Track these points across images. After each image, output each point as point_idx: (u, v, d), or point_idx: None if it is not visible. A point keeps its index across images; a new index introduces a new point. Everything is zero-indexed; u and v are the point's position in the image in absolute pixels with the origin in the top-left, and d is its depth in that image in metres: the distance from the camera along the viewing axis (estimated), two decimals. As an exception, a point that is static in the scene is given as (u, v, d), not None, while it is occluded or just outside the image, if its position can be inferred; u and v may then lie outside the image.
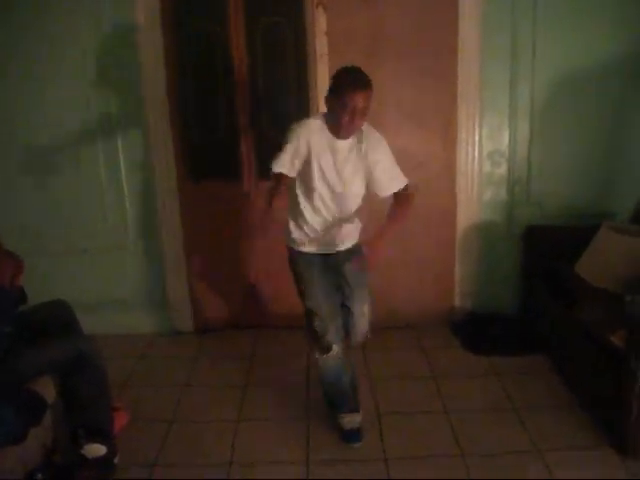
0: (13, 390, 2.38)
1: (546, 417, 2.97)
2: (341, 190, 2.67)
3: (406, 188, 2.73)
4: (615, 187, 3.81)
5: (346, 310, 2.87)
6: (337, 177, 2.64)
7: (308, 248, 2.81)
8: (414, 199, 2.76)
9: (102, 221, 3.89)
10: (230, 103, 3.75)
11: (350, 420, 2.86)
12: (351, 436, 2.85)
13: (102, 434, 2.65)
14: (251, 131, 3.78)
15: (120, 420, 2.92)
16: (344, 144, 2.62)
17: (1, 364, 2.39)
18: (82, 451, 2.59)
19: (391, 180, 2.70)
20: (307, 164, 2.61)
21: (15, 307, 2.52)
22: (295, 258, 2.85)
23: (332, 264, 2.85)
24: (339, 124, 2.53)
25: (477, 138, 3.75)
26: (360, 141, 2.64)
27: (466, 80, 3.65)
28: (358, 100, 2.46)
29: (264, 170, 3.79)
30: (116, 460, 2.67)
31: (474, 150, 3.77)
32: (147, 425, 3.03)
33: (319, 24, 3.55)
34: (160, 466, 2.71)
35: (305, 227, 2.76)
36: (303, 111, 3.69)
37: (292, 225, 2.80)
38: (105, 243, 3.92)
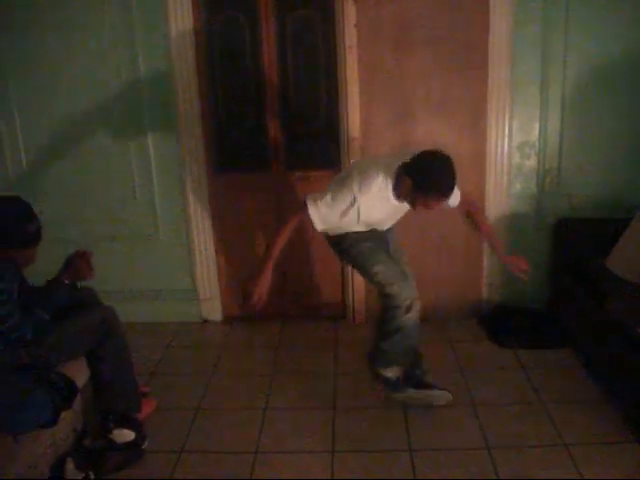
0: (46, 374, 2.43)
1: (573, 411, 2.95)
2: (390, 224, 2.90)
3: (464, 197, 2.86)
4: (648, 180, 3.75)
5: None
6: (389, 220, 2.85)
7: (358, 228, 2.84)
8: (474, 200, 2.94)
9: (132, 210, 3.94)
10: (259, 94, 3.77)
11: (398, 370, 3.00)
12: (401, 384, 3.00)
13: (131, 419, 2.71)
14: (280, 122, 3.80)
15: (148, 406, 2.97)
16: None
17: (31, 348, 2.44)
18: (111, 436, 2.65)
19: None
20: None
21: (62, 300, 2.59)
22: (346, 240, 2.88)
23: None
24: (411, 207, 2.64)
25: (507, 130, 3.71)
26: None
27: (497, 72, 3.61)
28: (442, 202, 2.55)
29: (293, 160, 3.84)
30: (144, 445, 2.72)
31: (504, 142, 3.74)
32: (175, 412, 3.07)
33: (348, 16, 3.54)
34: (187, 452, 2.75)
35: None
36: (333, 102, 3.70)
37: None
38: (135, 232, 3.98)
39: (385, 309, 2.86)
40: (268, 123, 3.80)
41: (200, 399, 3.19)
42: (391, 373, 2.99)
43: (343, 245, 2.89)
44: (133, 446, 2.68)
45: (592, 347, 3.33)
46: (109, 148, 3.83)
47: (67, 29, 3.64)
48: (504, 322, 3.78)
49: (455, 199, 2.81)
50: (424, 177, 2.51)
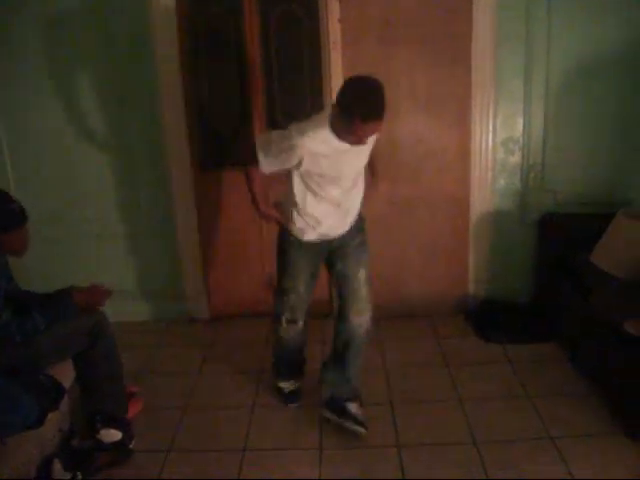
0: (32, 375, 2.42)
1: (559, 405, 2.97)
2: (348, 185, 2.64)
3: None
4: (631, 175, 3.77)
5: (342, 279, 2.82)
6: (344, 177, 2.59)
7: (308, 237, 2.75)
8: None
9: (117, 208, 3.93)
10: (244, 90, 3.76)
11: (291, 385, 3.12)
12: (291, 398, 3.10)
13: (118, 419, 2.70)
14: (265, 118, 3.79)
15: (135, 406, 2.96)
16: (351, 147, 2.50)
17: (20, 349, 2.43)
18: (98, 436, 2.64)
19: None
20: (307, 169, 2.54)
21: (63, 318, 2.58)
22: (289, 243, 2.82)
23: (326, 247, 2.80)
24: (347, 140, 2.43)
25: (491, 126, 3.73)
26: None
27: (480, 68, 3.63)
28: (370, 129, 2.34)
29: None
30: (132, 445, 2.71)
31: (488, 138, 3.75)
32: (162, 411, 3.07)
33: (332, 12, 3.54)
34: (175, 452, 2.75)
35: (306, 217, 2.69)
36: (317, 98, 3.72)
37: (294, 213, 2.71)
38: (120, 230, 3.96)
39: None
40: (253, 120, 3.79)
41: (188, 398, 3.19)
42: (283, 384, 3.14)
43: (285, 246, 2.86)
44: (120, 446, 2.67)
45: (578, 341, 3.35)
46: (93, 147, 3.82)
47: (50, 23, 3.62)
48: (490, 317, 3.80)
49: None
50: (346, 97, 2.33)
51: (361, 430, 2.76)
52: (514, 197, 3.87)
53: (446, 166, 3.79)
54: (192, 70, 3.72)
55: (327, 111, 2.53)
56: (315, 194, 2.62)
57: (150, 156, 3.83)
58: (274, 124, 3.77)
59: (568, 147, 3.77)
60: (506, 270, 3.97)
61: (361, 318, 2.82)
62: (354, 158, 2.58)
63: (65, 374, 2.64)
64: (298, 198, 2.65)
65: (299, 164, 2.50)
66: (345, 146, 2.46)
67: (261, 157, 2.56)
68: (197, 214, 3.92)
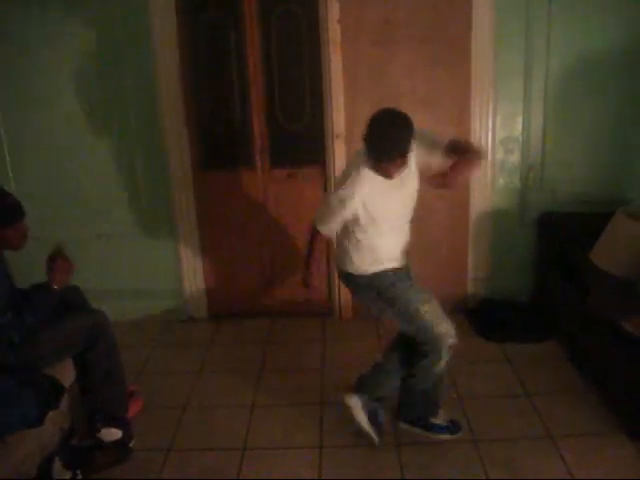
0: (31, 374, 2.42)
1: (559, 403, 2.98)
2: (404, 213, 2.65)
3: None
4: (630, 174, 3.77)
5: None
6: (397, 211, 2.60)
7: (389, 264, 2.64)
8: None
9: (117, 208, 3.92)
10: (244, 91, 3.76)
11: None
12: (456, 425, 2.78)
13: (118, 419, 2.70)
14: (265, 119, 3.80)
15: (135, 405, 2.97)
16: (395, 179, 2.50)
17: (19, 349, 2.43)
18: (99, 435, 2.65)
19: (433, 151, 2.56)
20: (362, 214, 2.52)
21: (50, 305, 2.57)
22: (384, 279, 2.62)
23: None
24: (384, 176, 2.45)
25: (490, 125, 3.73)
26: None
27: (480, 68, 3.63)
28: (393, 167, 2.38)
29: (278, 157, 3.84)
30: (132, 444, 2.72)
31: (487, 137, 3.75)
32: (162, 410, 3.07)
33: (332, 12, 3.54)
34: (175, 451, 2.75)
35: (376, 253, 2.62)
36: (317, 98, 3.71)
37: (359, 255, 2.63)
38: (120, 230, 3.96)
39: (426, 353, 2.56)
40: (253, 120, 3.80)
41: (187, 397, 3.19)
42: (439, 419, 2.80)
43: (381, 285, 2.60)
44: (121, 445, 2.68)
45: (577, 340, 3.36)
46: (93, 147, 3.82)
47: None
48: (490, 316, 3.81)
49: (435, 152, 2.56)
50: (367, 137, 2.39)
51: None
52: (513, 196, 3.88)
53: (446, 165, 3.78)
54: (192, 70, 3.72)
55: (359, 154, 2.54)
56: (380, 234, 2.60)
57: (150, 156, 3.83)
58: (273, 122, 3.78)
59: (567, 146, 3.77)
60: (505, 269, 3.98)
61: None
62: (406, 191, 2.59)
63: (65, 373, 2.64)
64: (361, 243, 2.61)
65: (364, 208, 2.50)
66: (397, 182, 2.50)
67: (326, 231, 2.64)
68: (197, 214, 3.92)
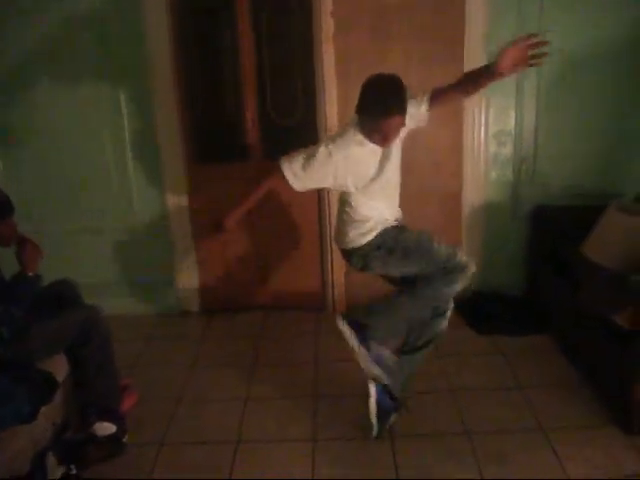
0: (25, 369, 2.42)
1: (551, 396, 2.99)
2: (392, 179, 2.67)
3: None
4: (622, 167, 3.79)
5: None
6: (385, 181, 2.62)
7: (386, 224, 2.70)
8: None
9: (109, 202, 3.92)
10: (236, 84, 3.75)
11: None
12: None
13: (112, 413, 2.70)
14: (257, 112, 3.79)
15: (129, 399, 2.97)
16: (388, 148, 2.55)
17: (12, 344, 2.42)
18: (92, 429, 2.64)
19: (418, 107, 2.61)
20: (345, 179, 2.58)
21: (33, 293, 2.56)
22: (383, 236, 2.66)
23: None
24: (377, 144, 2.49)
25: (483, 119, 3.74)
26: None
27: (473, 61, 3.59)
28: (396, 125, 2.41)
29: (270, 151, 3.83)
30: (125, 439, 2.72)
31: (480, 130, 3.76)
32: (155, 404, 3.07)
33: (325, 5, 3.53)
34: (168, 444, 2.75)
35: (372, 219, 2.66)
36: (310, 91, 3.70)
37: (357, 227, 2.67)
38: (112, 224, 3.96)
39: (453, 278, 2.64)
40: (246, 114, 3.79)
41: (180, 391, 3.20)
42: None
43: (387, 242, 2.65)
44: (114, 439, 2.67)
45: (569, 333, 3.37)
46: (85, 142, 3.81)
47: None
48: (482, 309, 3.82)
49: (417, 113, 2.62)
50: (363, 101, 2.45)
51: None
52: (506, 189, 3.89)
53: (439, 159, 3.79)
54: (184, 64, 3.71)
55: (353, 121, 2.59)
56: (370, 199, 2.64)
57: (143, 151, 3.82)
58: (265, 116, 3.77)
59: (560, 140, 3.78)
60: (498, 262, 3.99)
61: None
62: (394, 157, 2.62)
63: (58, 368, 2.64)
64: (355, 210, 2.65)
65: (346, 173, 2.55)
66: (385, 150, 2.54)
67: (290, 174, 2.62)
68: (190, 207, 3.92)
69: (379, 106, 2.40)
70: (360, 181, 2.58)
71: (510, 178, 3.87)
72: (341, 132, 2.64)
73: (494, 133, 3.79)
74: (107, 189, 3.89)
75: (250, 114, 3.78)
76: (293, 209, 3.91)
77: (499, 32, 3.59)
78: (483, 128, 3.75)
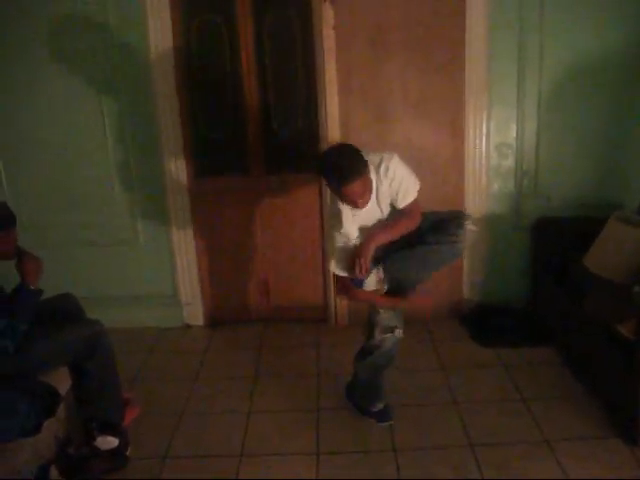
0: (28, 383, 2.42)
1: (555, 408, 2.98)
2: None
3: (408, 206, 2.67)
4: (623, 179, 3.79)
5: None
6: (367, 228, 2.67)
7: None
8: (413, 213, 2.68)
9: (112, 215, 3.92)
10: (238, 98, 3.76)
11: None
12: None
13: (114, 426, 2.70)
14: (259, 125, 3.80)
15: (131, 412, 2.96)
16: (366, 208, 2.58)
17: (15, 358, 2.42)
18: (95, 443, 2.64)
19: (403, 199, 2.64)
20: None
21: (35, 306, 2.56)
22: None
23: None
24: (352, 205, 2.52)
25: (485, 130, 3.74)
26: (377, 194, 2.60)
27: (474, 73, 3.64)
28: (355, 191, 2.41)
29: (272, 164, 3.85)
30: (128, 452, 2.71)
31: (482, 142, 3.76)
32: (158, 417, 3.07)
33: (327, 18, 3.55)
34: (171, 458, 2.75)
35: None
36: (311, 104, 3.73)
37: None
38: (115, 237, 3.96)
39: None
40: (247, 127, 3.80)
41: (184, 404, 3.19)
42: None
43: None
44: (117, 453, 2.67)
45: (572, 345, 3.37)
46: (87, 154, 3.81)
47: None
48: (485, 321, 3.82)
49: (403, 197, 2.64)
50: (323, 175, 2.51)
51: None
52: (508, 201, 3.89)
53: (440, 170, 3.80)
54: (186, 77, 3.73)
55: None
56: None
57: (145, 162, 3.83)
58: (268, 130, 3.79)
59: (561, 151, 3.79)
60: (501, 274, 3.99)
61: None
62: (376, 212, 2.67)
63: (61, 381, 2.64)
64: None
65: None
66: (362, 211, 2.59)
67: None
68: (192, 220, 3.92)
69: (335, 175, 2.42)
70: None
71: (512, 190, 3.87)
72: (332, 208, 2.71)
73: (495, 145, 3.79)
74: (109, 202, 3.89)
75: (252, 127, 3.79)
76: (295, 222, 3.92)
77: (500, 40, 3.61)
78: (484, 140, 3.75)
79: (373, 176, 2.54)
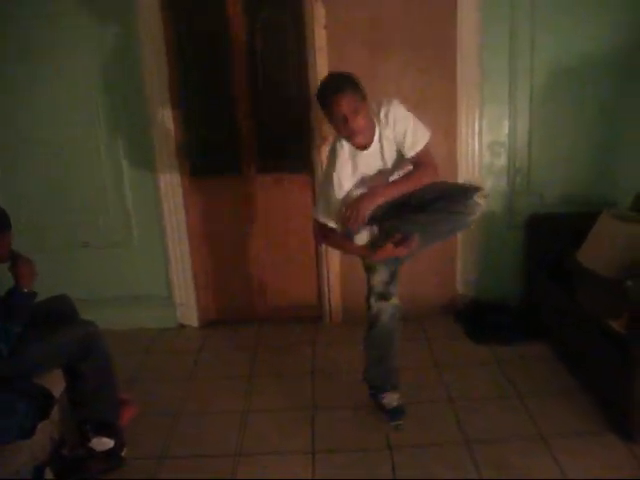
0: (23, 385, 2.41)
1: (549, 404, 2.99)
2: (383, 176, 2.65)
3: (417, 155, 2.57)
4: (615, 176, 3.80)
5: None
6: (367, 178, 2.62)
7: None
8: (425, 166, 2.57)
9: (104, 216, 3.91)
10: (230, 97, 3.77)
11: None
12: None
13: (109, 427, 2.69)
14: (252, 125, 3.80)
15: (128, 413, 2.95)
16: (368, 152, 2.55)
17: (9, 361, 2.42)
18: (90, 444, 2.63)
19: (409, 146, 2.55)
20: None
21: (29, 309, 2.55)
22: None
23: None
24: (341, 135, 2.51)
25: (477, 129, 3.75)
26: (380, 138, 2.54)
27: (466, 71, 3.65)
28: (343, 103, 2.39)
29: (265, 163, 3.85)
30: (124, 453, 2.71)
31: (474, 141, 3.77)
32: (154, 418, 3.06)
33: (318, 18, 3.55)
34: (167, 458, 2.74)
35: None
36: (303, 103, 3.73)
37: None
38: (109, 238, 3.95)
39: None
40: (240, 127, 3.80)
41: (179, 404, 3.18)
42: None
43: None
44: (112, 454, 2.66)
45: (566, 340, 3.38)
46: (80, 154, 3.81)
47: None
48: (480, 318, 3.82)
49: (410, 145, 2.55)
50: (318, 91, 2.50)
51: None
52: (501, 199, 3.90)
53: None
54: (179, 77, 3.72)
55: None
56: None
57: (139, 163, 3.82)
58: (260, 129, 3.79)
59: (553, 149, 3.80)
60: (494, 271, 4.00)
61: None
62: (378, 161, 2.60)
63: (54, 383, 2.62)
64: None
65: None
66: (363, 154, 2.56)
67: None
68: (186, 220, 3.91)
69: (327, 88, 2.45)
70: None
71: (505, 188, 3.88)
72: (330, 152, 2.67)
73: (488, 143, 3.80)
74: (102, 203, 3.89)
75: (244, 126, 3.79)
76: (290, 222, 3.92)
77: (492, 39, 3.62)
78: (477, 138, 3.76)
79: (375, 119, 2.50)
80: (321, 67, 3.60)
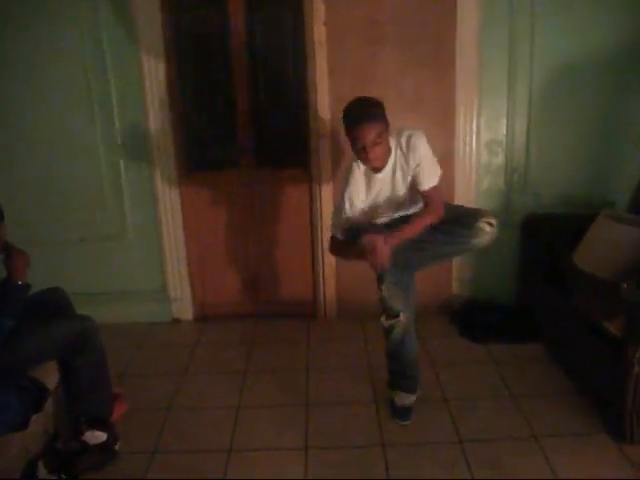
0: (16, 377, 2.40)
1: (544, 404, 3.00)
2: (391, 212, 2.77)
3: (429, 192, 2.65)
4: (613, 176, 3.81)
5: None
6: (382, 204, 2.72)
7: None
8: (435, 205, 2.65)
9: (101, 210, 3.90)
10: (230, 93, 3.75)
11: None
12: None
13: (103, 421, 2.68)
14: (250, 120, 3.79)
15: (120, 407, 2.95)
16: (381, 176, 2.64)
17: (2, 352, 2.41)
18: (83, 438, 2.62)
19: (423, 180, 2.64)
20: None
21: (23, 301, 2.54)
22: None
23: None
24: (360, 160, 2.58)
25: (475, 127, 3.75)
26: (393, 166, 2.63)
27: (464, 69, 3.65)
28: (366, 134, 2.44)
29: (262, 159, 3.84)
30: (117, 447, 2.70)
31: (472, 139, 3.77)
32: (147, 412, 3.05)
33: (318, 14, 3.54)
34: (160, 453, 2.74)
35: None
36: (301, 100, 3.71)
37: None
38: (104, 232, 3.94)
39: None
40: (238, 123, 3.79)
41: (172, 399, 3.18)
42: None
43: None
44: (105, 448, 2.65)
45: (561, 341, 3.39)
46: (76, 149, 3.79)
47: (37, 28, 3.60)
48: (475, 318, 3.82)
49: (424, 179, 2.63)
50: (343, 115, 2.55)
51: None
52: (498, 198, 3.90)
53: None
54: (177, 72, 3.71)
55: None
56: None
57: (135, 158, 3.81)
58: (258, 126, 3.78)
59: (551, 149, 3.80)
60: (490, 271, 4.00)
61: None
62: (388, 185, 2.68)
63: (49, 376, 2.62)
64: None
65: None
66: (377, 177, 2.64)
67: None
68: (182, 215, 3.91)
69: (352, 114, 2.50)
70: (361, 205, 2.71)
71: (502, 187, 3.88)
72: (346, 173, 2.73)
73: (486, 142, 3.80)
74: (98, 197, 3.87)
75: (243, 121, 3.78)
76: (285, 217, 3.91)
77: (491, 38, 3.61)
78: (475, 137, 3.76)
79: (392, 143, 2.59)
80: (320, 63, 3.59)
